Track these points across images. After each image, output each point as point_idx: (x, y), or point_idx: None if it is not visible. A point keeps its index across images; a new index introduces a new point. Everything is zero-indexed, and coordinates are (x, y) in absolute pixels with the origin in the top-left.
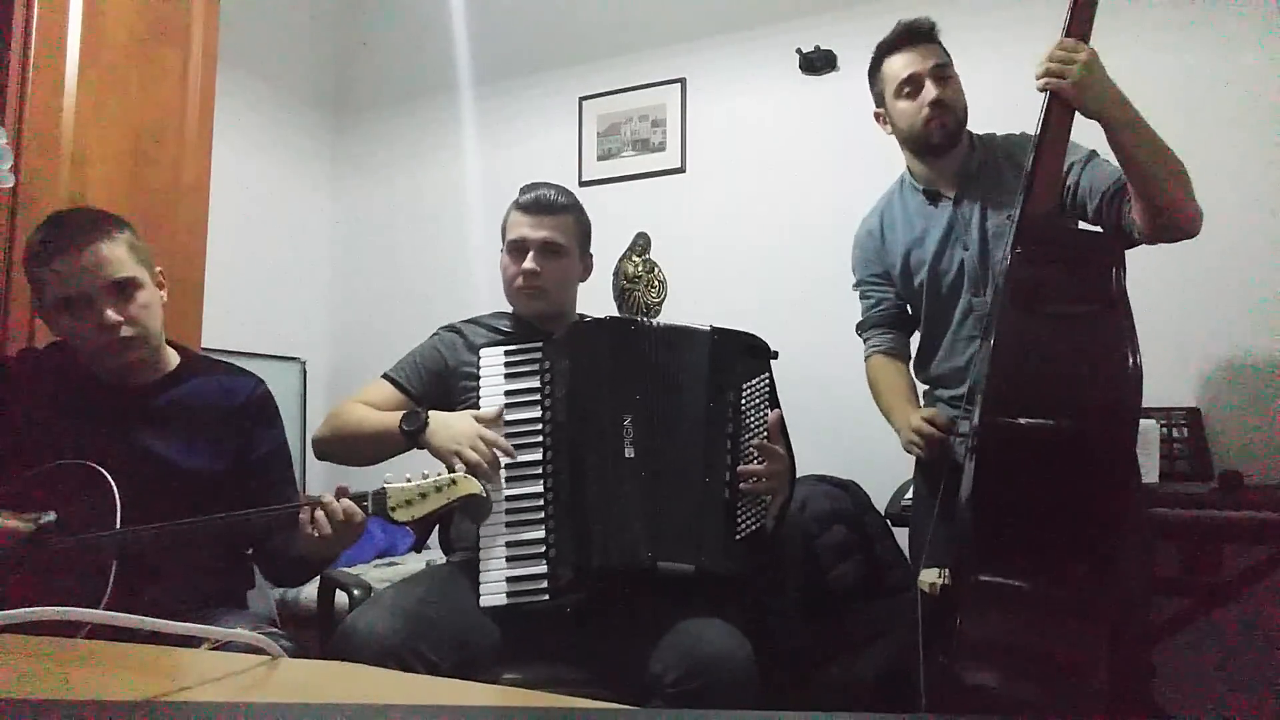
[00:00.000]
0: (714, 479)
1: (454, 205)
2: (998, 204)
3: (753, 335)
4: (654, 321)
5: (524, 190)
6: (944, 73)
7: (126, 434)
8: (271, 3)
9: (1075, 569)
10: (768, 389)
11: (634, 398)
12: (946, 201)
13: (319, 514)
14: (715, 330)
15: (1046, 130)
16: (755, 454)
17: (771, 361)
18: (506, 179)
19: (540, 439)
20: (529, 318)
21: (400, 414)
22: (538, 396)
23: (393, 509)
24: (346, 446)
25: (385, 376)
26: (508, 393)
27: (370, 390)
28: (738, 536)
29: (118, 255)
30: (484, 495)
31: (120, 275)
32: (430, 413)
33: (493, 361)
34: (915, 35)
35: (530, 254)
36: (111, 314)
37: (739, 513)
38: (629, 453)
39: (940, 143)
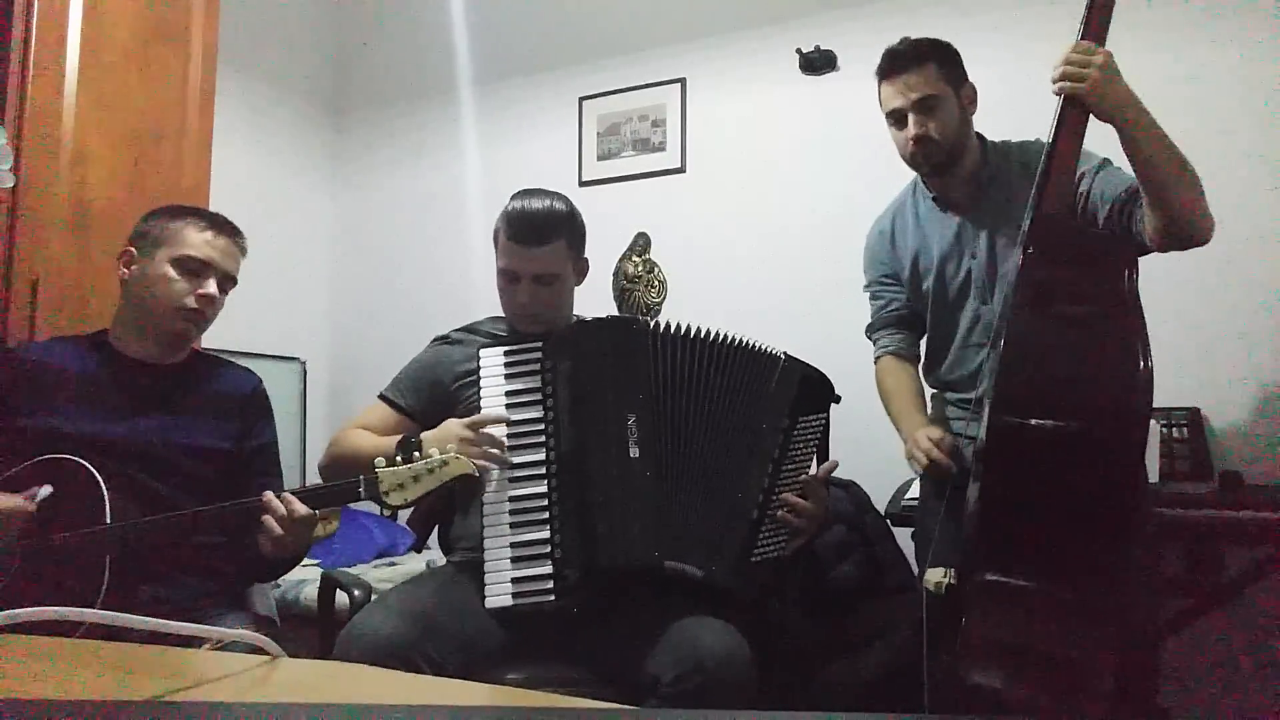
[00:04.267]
0: (746, 496)
1: (454, 205)
2: (1008, 215)
3: (821, 373)
4: (726, 335)
5: (514, 200)
6: (928, 104)
7: (146, 411)
8: (271, 3)
9: (1082, 570)
10: (821, 428)
11: (638, 397)
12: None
13: (266, 518)
14: (788, 357)
15: (1060, 133)
16: (798, 486)
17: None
18: (506, 179)
19: (543, 439)
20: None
21: (396, 439)
22: (539, 396)
23: (386, 493)
24: (347, 474)
25: (381, 397)
26: (509, 393)
27: (368, 413)
28: (754, 558)
29: (236, 257)
30: (476, 474)
31: (230, 271)
32: (422, 434)
33: (493, 362)
34: (897, 63)
35: (523, 284)
36: (215, 290)
37: (762, 535)
38: (633, 452)
39: (928, 173)
